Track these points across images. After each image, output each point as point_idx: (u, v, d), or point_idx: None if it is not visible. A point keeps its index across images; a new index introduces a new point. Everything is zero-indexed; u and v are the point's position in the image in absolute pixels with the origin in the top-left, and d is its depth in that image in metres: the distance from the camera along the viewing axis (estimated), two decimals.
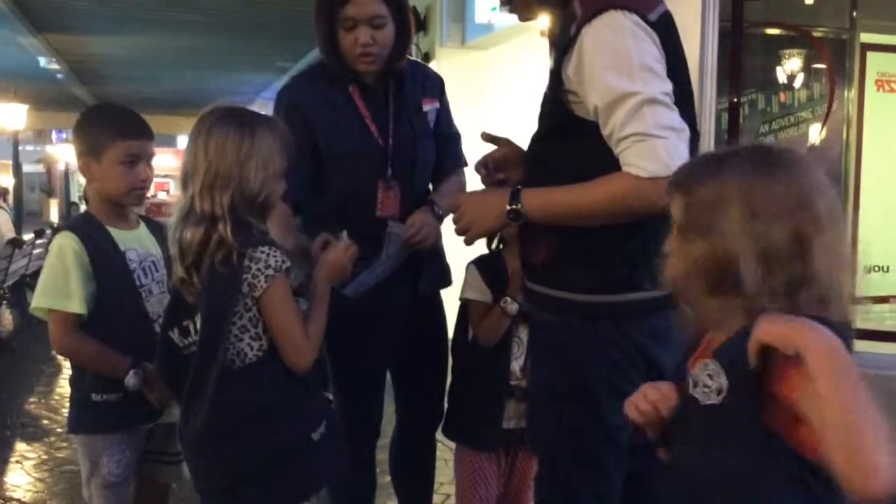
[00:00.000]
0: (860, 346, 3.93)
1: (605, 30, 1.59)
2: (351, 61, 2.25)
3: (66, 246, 2.10)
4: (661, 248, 1.66)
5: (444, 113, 2.45)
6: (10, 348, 6.93)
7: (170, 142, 29.72)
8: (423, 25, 6.80)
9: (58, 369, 5.97)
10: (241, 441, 1.78)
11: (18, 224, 11.35)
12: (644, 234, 1.67)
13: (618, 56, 1.59)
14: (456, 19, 6.48)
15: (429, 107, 2.39)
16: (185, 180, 1.81)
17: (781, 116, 4.87)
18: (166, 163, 33.33)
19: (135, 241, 2.23)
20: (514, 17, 5.92)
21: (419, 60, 2.63)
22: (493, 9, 5.66)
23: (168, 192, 40.56)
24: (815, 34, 4.91)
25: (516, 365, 2.29)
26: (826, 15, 4.87)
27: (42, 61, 10.72)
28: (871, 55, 4.98)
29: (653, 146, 1.56)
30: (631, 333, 1.72)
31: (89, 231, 2.15)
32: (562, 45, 1.67)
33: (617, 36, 1.58)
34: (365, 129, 2.29)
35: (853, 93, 4.85)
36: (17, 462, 4.11)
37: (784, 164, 1.23)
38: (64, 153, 16.91)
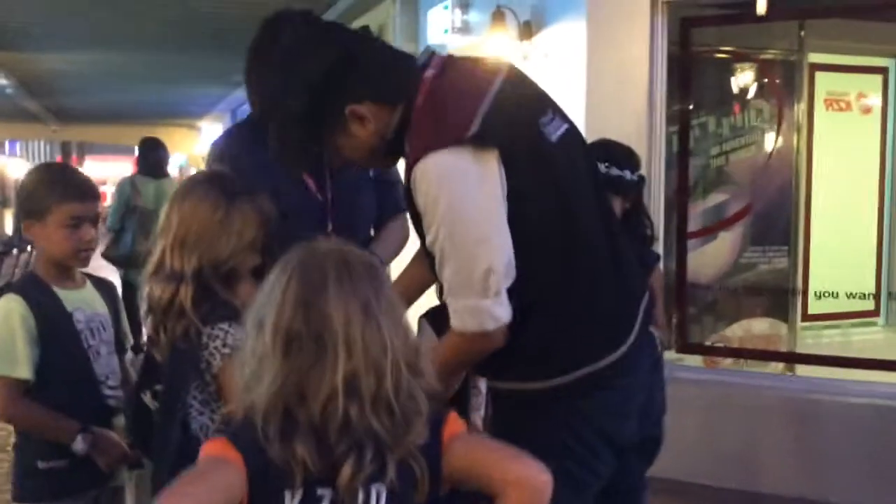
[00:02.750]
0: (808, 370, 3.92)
1: (420, 180, 1.60)
2: None
3: (12, 310, 2.06)
4: (575, 323, 1.68)
5: None
6: None
7: (129, 151, 29.44)
8: None
9: None
10: None
11: None
12: (556, 316, 1.68)
13: (428, 206, 1.60)
14: (409, 39, 6.44)
15: None
16: (158, 236, 1.83)
17: (732, 138, 4.90)
18: (124, 171, 33.10)
19: (81, 302, 2.19)
20: (468, 39, 5.84)
21: None
22: (446, 31, 5.61)
23: None
24: (765, 55, 4.95)
25: (477, 416, 2.24)
26: (775, 36, 4.91)
27: None
28: (819, 75, 5.03)
29: (453, 308, 1.62)
30: (590, 414, 1.70)
31: (35, 293, 2.11)
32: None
33: (428, 186, 1.59)
34: (301, 184, 2.24)
35: (803, 112, 4.88)
36: None
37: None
38: (15, 168, 16.47)
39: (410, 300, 2.03)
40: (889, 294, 5.24)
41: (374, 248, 2.29)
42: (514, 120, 1.64)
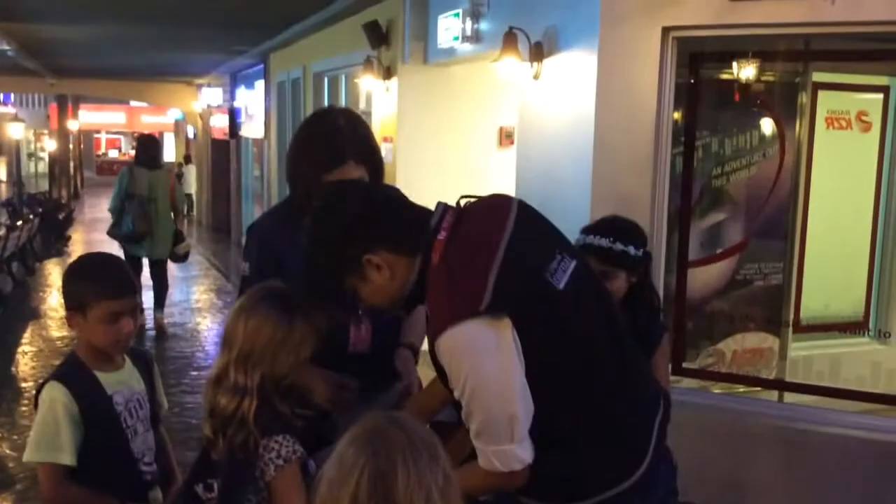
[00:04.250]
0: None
1: (442, 353, 1.76)
2: None
3: (55, 399, 2.20)
4: (594, 454, 1.83)
5: None
6: None
7: (123, 102, 29.19)
8: (385, 39, 6.79)
9: (17, 392, 5.83)
10: None
11: None
12: (576, 449, 1.84)
13: (452, 373, 1.77)
14: (418, 38, 6.48)
15: None
16: (224, 345, 2.00)
17: (734, 159, 5.00)
18: (118, 120, 32.85)
19: (120, 384, 2.33)
20: (479, 47, 5.92)
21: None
22: (456, 38, 5.66)
23: (119, 149, 40.01)
24: (769, 76, 5.03)
25: None
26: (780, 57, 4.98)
27: None
28: (821, 94, 5.11)
29: (481, 451, 1.79)
30: None
31: (77, 379, 2.25)
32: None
33: (450, 358, 1.76)
34: None
35: (804, 131, 4.98)
36: None
37: None
38: (14, 130, 16.34)
39: (434, 411, 2.21)
40: (878, 308, 5.43)
41: (406, 335, 2.44)
42: (522, 283, 1.78)
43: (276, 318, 1.94)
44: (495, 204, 1.93)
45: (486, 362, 1.72)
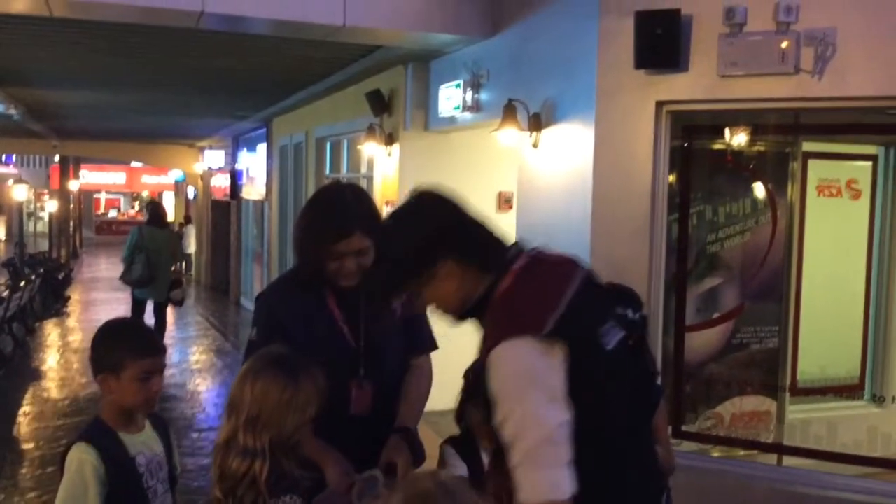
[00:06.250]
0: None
1: (493, 365, 1.79)
2: (332, 278, 2.43)
3: (84, 461, 2.28)
4: None
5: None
6: None
7: (124, 162, 29.53)
8: (387, 107, 6.98)
9: (20, 455, 5.79)
10: None
11: None
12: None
13: (500, 390, 1.78)
14: (419, 106, 6.66)
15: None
16: (231, 411, 2.08)
17: (727, 226, 5.13)
18: (118, 180, 33.19)
19: (142, 445, 2.42)
20: (479, 115, 6.09)
21: None
22: (457, 107, 5.84)
23: (119, 209, 40.30)
24: (760, 146, 5.19)
25: None
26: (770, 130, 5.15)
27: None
28: (812, 162, 5.27)
29: (521, 480, 1.74)
30: None
31: (104, 442, 2.33)
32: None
33: (500, 371, 1.78)
34: (337, 332, 2.48)
35: (796, 199, 5.12)
36: None
37: None
38: (18, 192, 16.53)
39: None
40: (873, 370, 5.50)
41: (402, 419, 2.51)
42: (580, 329, 1.84)
43: (282, 380, 2.04)
44: (569, 258, 2.02)
45: (534, 380, 1.76)
